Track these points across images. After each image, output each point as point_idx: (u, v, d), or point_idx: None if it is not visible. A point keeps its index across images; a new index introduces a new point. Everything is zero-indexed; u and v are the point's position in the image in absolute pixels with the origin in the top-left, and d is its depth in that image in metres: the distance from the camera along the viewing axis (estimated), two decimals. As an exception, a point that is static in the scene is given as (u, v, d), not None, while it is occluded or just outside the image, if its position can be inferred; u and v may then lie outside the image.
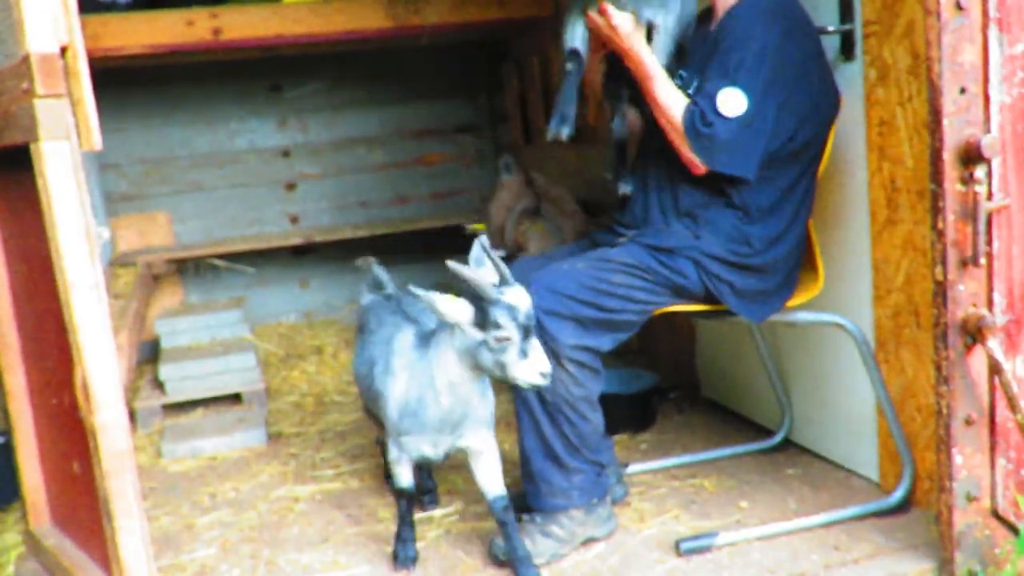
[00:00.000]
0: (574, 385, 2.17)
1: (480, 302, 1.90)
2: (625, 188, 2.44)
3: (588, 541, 2.30)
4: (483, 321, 1.90)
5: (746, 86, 2.11)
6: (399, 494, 2.27)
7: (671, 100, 2.18)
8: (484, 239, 2.02)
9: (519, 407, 2.23)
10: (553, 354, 2.12)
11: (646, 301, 2.20)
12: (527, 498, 2.30)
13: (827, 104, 2.27)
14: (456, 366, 2.01)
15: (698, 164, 2.18)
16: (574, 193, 3.84)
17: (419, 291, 1.92)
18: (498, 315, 1.87)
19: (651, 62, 2.20)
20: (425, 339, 2.12)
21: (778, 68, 2.13)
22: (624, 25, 2.18)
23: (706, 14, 2.40)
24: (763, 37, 2.13)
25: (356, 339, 2.52)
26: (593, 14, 2.22)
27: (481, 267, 2.01)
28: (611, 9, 2.18)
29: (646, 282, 2.20)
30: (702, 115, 2.13)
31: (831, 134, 2.32)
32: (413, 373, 2.11)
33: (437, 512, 2.59)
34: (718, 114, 2.11)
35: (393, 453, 2.23)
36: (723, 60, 2.15)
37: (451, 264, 1.88)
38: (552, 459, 2.22)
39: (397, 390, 2.13)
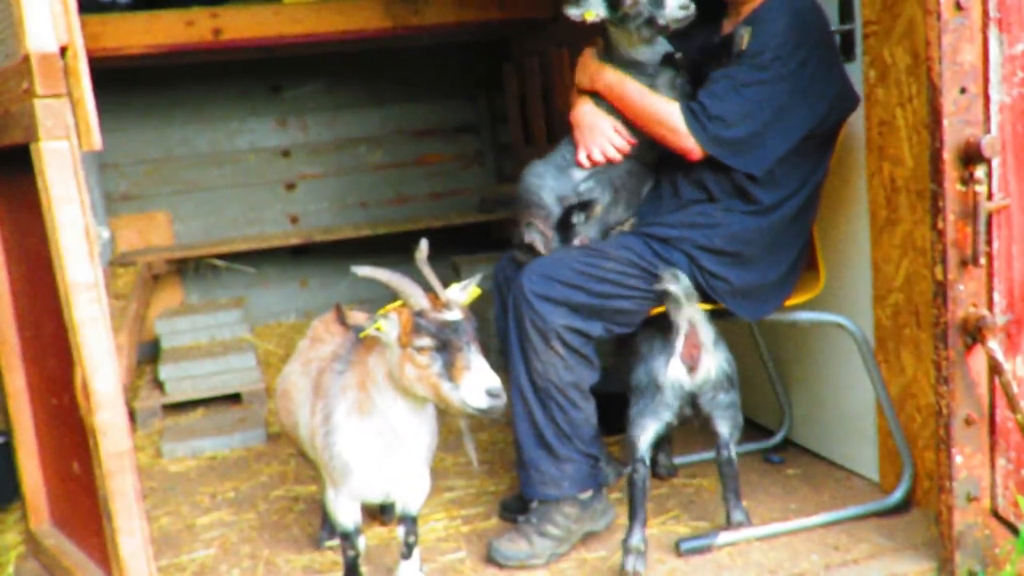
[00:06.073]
0: (564, 369, 2.18)
1: None
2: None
3: (587, 536, 2.31)
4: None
5: (760, 87, 2.13)
6: None
7: (661, 105, 2.22)
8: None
9: (513, 394, 2.23)
10: (543, 336, 2.15)
11: (640, 289, 2.20)
12: (521, 487, 2.31)
13: (848, 100, 2.27)
14: None
15: (693, 150, 2.19)
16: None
17: None
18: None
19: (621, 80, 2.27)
20: None
21: (799, 65, 2.14)
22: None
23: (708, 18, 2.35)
24: (788, 34, 2.14)
25: None
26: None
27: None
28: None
29: (639, 270, 2.21)
30: (704, 109, 2.15)
31: (841, 133, 2.32)
32: None
33: (438, 513, 2.59)
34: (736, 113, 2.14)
35: None
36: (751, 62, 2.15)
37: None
38: (543, 447, 2.23)
39: None
